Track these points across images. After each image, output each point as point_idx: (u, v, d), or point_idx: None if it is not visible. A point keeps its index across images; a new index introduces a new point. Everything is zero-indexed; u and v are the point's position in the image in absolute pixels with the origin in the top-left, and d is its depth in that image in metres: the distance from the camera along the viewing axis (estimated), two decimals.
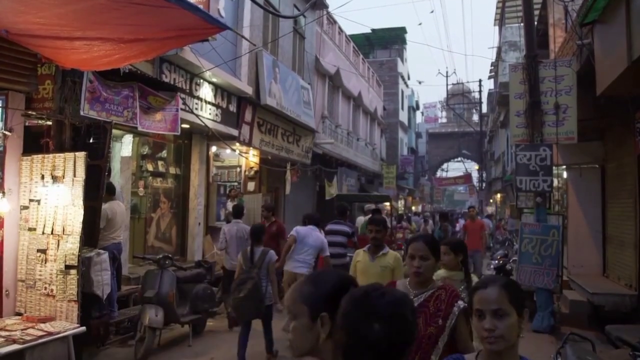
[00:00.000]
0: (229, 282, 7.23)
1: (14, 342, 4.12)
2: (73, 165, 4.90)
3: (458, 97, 38.72)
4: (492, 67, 30.11)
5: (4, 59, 4.76)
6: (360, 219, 12.56)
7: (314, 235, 6.50)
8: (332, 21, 17.65)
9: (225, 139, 9.53)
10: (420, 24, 27.74)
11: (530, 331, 7.02)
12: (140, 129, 6.38)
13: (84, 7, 3.41)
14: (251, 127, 10.88)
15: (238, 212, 7.59)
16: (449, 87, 33.39)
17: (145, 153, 8.72)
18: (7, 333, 4.28)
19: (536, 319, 7.07)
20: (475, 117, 40.55)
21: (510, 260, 8.58)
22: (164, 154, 9.31)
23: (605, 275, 8.16)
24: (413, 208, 32.15)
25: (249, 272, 5.41)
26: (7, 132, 5.07)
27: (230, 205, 10.19)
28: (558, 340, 6.02)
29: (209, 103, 9.20)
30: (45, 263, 4.92)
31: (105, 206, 5.66)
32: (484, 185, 34.01)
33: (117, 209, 6.13)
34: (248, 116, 10.71)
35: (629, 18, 4.88)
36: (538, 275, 7.11)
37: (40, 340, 4.25)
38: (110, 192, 6.00)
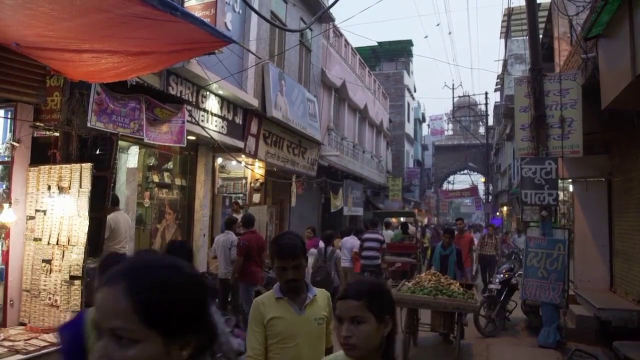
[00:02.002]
0: (222, 290, 7.35)
1: (17, 352, 4.13)
2: (79, 176, 4.95)
3: (464, 110, 38.79)
4: (498, 80, 30.19)
5: (13, 71, 4.84)
6: (389, 233, 14.24)
7: (350, 241, 9.61)
8: (338, 34, 17.79)
9: (231, 151, 9.58)
10: (426, 37, 27.90)
11: (535, 346, 6.95)
12: (146, 140, 6.43)
13: (93, 20, 3.47)
14: (257, 139, 10.94)
15: (229, 224, 8.07)
16: (455, 99, 33.43)
17: (151, 164, 8.77)
18: (10, 343, 4.30)
19: (542, 334, 6.99)
20: (482, 130, 40.53)
21: (516, 274, 8.51)
22: (169, 165, 9.36)
23: (613, 290, 8.07)
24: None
25: (323, 265, 8.15)
26: (15, 143, 5.14)
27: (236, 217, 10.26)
28: (564, 355, 5.96)
29: (215, 115, 9.26)
30: (50, 273, 4.95)
31: (108, 216, 5.70)
32: (490, 197, 33.87)
33: (121, 219, 6.15)
34: (254, 128, 10.77)
35: (633, 32, 4.89)
36: (544, 289, 7.05)
37: (43, 351, 4.26)
38: (114, 202, 6.04)
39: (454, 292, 6.08)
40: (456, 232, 10.47)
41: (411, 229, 14.41)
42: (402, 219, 16.80)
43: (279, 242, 2.39)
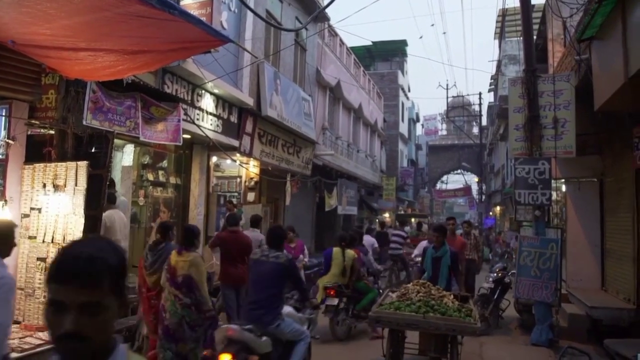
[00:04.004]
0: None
1: (12, 350, 4.12)
2: (75, 175, 4.94)
3: (458, 110, 38.96)
4: (492, 80, 30.35)
5: (8, 68, 4.82)
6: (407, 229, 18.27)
7: (368, 239, 10.80)
8: (334, 34, 17.81)
9: (226, 150, 9.58)
10: (421, 37, 27.92)
11: (528, 344, 7.01)
12: (142, 139, 6.43)
13: (90, 19, 3.47)
14: (252, 138, 10.94)
15: (255, 222, 8.09)
16: (449, 99, 33.55)
17: (146, 162, 8.76)
18: None
19: (535, 333, 7.06)
20: (475, 130, 40.70)
21: (509, 273, 8.58)
22: (164, 163, 9.35)
23: (604, 289, 8.15)
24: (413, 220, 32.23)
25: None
26: (10, 141, 5.13)
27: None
28: (556, 353, 6.02)
29: (211, 114, 9.26)
30: (45, 271, 4.93)
31: (104, 214, 5.69)
32: (483, 197, 34.04)
33: (116, 217, 6.15)
34: (249, 127, 10.78)
35: (626, 35, 4.95)
36: (536, 288, 7.11)
37: (38, 349, 4.26)
38: (111, 201, 6.04)
39: (448, 309, 4.83)
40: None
41: (424, 227, 18.04)
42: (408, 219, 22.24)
43: (65, 251, 1.17)
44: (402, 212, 29.42)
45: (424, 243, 9.72)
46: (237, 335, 4.04)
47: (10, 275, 3.10)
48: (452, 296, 5.30)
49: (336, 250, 7.24)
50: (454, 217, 10.11)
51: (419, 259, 7.97)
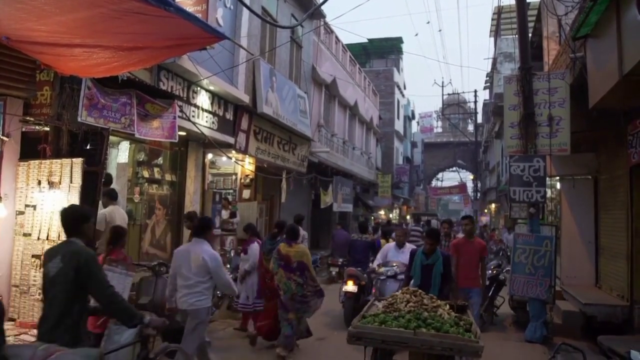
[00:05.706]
0: None
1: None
2: (70, 171, 4.93)
3: (453, 107, 38.95)
4: (488, 78, 30.40)
5: (3, 64, 4.79)
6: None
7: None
8: (329, 31, 17.78)
9: (221, 147, 9.56)
10: (416, 34, 27.87)
11: (522, 341, 7.05)
12: (137, 136, 6.40)
13: (85, 15, 3.45)
14: (247, 135, 10.93)
15: (298, 221, 9.61)
16: (445, 97, 33.62)
17: (141, 160, 8.73)
18: None
19: (529, 329, 7.10)
20: (471, 127, 40.82)
21: (504, 271, 8.62)
22: (160, 160, 9.32)
23: (598, 286, 8.21)
24: (408, 217, 32.40)
25: None
26: (4, 138, 5.10)
27: (224, 213, 10.28)
28: (551, 350, 6.06)
29: (206, 111, 9.24)
30: (40, 268, 4.92)
31: (105, 210, 5.68)
32: (478, 195, 34.14)
33: (117, 213, 6.14)
34: (244, 124, 10.76)
35: (620, 33, 4.98)
36: (531, 285, 7.16)
37: None
38: (112, 197, 6.03)
39: (444, 323, 3.95)
40: (458, 235, 9.05)
41: (433, 223, 19.25)
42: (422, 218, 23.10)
43: None
44: (418, 212, 33.46)
45: (389, 246, 7.93)
46: (354, 272, 7.97)
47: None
48: (447, 306, 4.44)
49: (383, 241, 9.79)
50: (470, 215, 8.87)
51: (388, 269, 7.32)
